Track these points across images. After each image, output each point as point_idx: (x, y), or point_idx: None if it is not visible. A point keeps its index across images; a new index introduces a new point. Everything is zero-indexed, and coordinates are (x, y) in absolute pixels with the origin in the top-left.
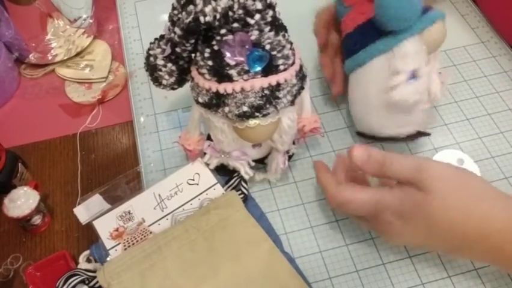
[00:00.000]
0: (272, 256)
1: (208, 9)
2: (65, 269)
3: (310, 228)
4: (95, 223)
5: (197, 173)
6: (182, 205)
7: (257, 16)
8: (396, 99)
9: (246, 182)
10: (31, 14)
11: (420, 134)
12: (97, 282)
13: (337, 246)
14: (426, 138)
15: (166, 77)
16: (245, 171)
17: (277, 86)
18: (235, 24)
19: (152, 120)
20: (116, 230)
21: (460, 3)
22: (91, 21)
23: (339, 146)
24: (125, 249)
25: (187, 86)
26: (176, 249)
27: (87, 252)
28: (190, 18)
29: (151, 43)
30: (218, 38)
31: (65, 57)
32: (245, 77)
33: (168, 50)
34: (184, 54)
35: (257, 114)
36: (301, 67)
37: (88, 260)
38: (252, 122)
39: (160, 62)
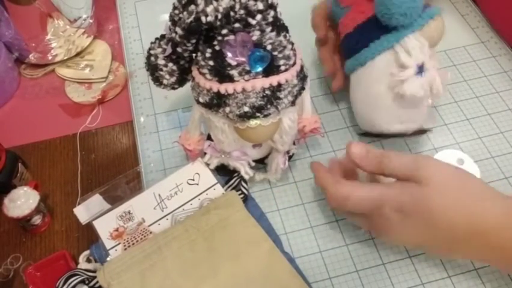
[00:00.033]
0: (272, 256)
1: (209, 9)
2: (65, 269)
3: (310, 228)
4: (95, 223)
5: (197, 173)
6: (182, 205)
7: (258, 16)
8: (407, 94)
9: (246, 182)
10: (31, 14)
11: (424, 130)
12: (97, 282)
13: (337, 246)
14: (427, 138)
15: (167, 76)
16: (245, 171)
17: (279, 86)
18: (237, 25)
19: (152, 120)
20: (116, 230)
21: (460, 3)
22: (91, 21)
23: (339, 146)
24: (125, 249)
25: (187, 85)
26: (176, 249)
27: (87, 252)
28: (191, 18)
29: (151, 43)
30: (219, 38)
31: (65, 57)
32: (246, 77)
33: (169, 50)
34: (185, 54)
35: (258, 114)
36: (302, 67)
37: (88, 260)
38: (253, 123)
39: (161, 61)
